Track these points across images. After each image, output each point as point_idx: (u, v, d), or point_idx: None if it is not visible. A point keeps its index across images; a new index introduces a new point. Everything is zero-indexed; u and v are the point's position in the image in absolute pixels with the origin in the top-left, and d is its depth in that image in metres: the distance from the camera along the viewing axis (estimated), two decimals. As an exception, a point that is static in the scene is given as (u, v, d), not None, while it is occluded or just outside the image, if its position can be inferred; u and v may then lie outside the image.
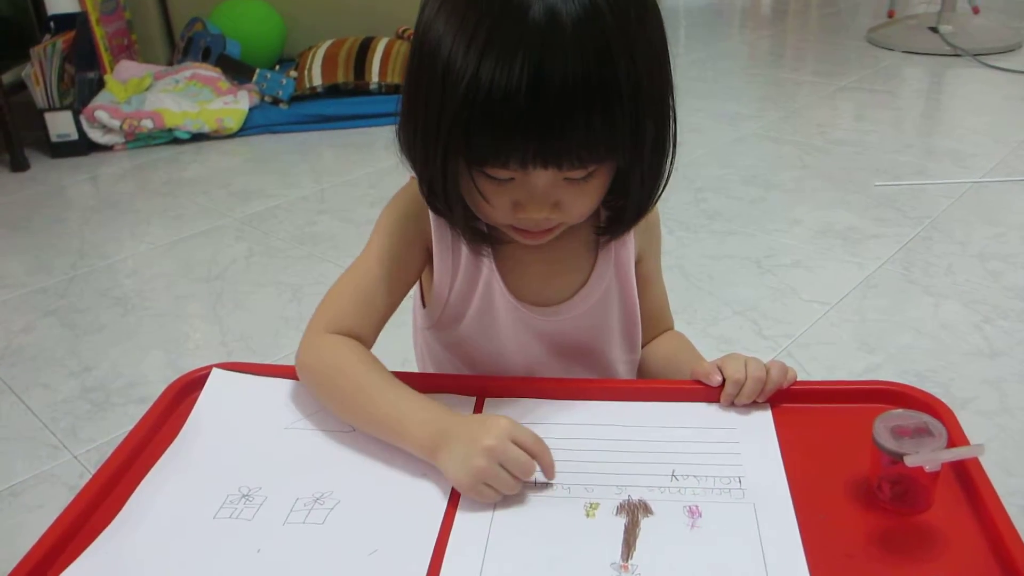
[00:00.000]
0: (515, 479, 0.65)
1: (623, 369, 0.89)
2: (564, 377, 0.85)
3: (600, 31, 0.62)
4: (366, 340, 0.79)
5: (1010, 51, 3.40)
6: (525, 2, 0.61)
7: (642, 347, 0.92)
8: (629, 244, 0.83)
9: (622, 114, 0.64)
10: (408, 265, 0.81)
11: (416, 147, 0.70)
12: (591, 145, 0.65)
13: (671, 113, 0.70)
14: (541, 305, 0.82)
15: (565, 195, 0.70)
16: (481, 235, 0.77)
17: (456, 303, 0.82)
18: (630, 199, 0.73)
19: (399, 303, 0.82)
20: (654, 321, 0.92)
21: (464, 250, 0.79)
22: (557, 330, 0.84)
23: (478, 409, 0.77)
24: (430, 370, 0.91)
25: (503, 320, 0.82)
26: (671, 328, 0.95)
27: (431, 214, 0.78)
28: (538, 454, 0.66)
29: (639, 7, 0.65)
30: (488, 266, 0.80)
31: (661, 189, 0.74)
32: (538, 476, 0.67)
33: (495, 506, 0.66)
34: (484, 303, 0.81)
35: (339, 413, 0.75)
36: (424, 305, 0.87)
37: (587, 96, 0.62)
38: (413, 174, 0.77)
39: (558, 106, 0.62)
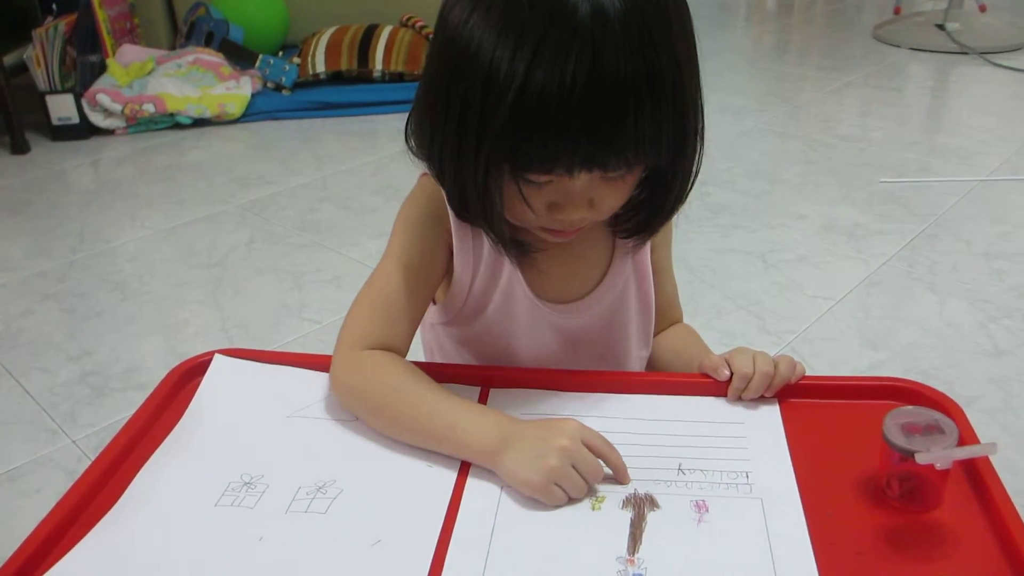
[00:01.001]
0: (585, 482, 0.65)
1: (636, 365, 0.89)
2: (570, 369, 0.84)
3: (644, 23, 0.61)
4: (399, 350, 0.77)
5: (1016, 50, 3.39)
6: (571, 4, 0.60)
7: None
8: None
9: (667, 110, 0.63)
10: (432, 268, 0.79)
11: (446, 156, 0.68)
12: (638, 145, 0.64)
13: (702, 107, 0.69)
14: (562, 302, 0.81)
15: (599, 192, 0.69)
16: (515, 243, 0.75)
17: (476, 300, 0.81)
18: (667, 196, 0.73)
19: (427, 307, 0.81)
20: (664, 313, 0.91)
21: (485, 249, 0.78)
22: (575, 327, 0.83)
23: (483, 398, 0.76)
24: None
25: (522, 317, 0.81)
26: (680, 320, 0.95)
27: (451, 215, 0.76)
28: (608, 456, 0.66)
29: (675, 4, 0.65)
30: (508, 265, 0.78)
31: (690, 187, 0.73)
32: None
33: (500, 497, 0.65)
34: (504, 300, 0.80)
35: (384, 429, 0.72)
36: (435, 301, 0.85)
37: (637, 92, 0.61)
38: (423, 171, 0.75)
39: (612, 104, 0.61)
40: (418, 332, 0.93)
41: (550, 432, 0.65)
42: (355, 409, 0.74)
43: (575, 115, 0.61)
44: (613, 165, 0.65)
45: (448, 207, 0.75)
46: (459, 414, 0.69)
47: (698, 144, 0.70)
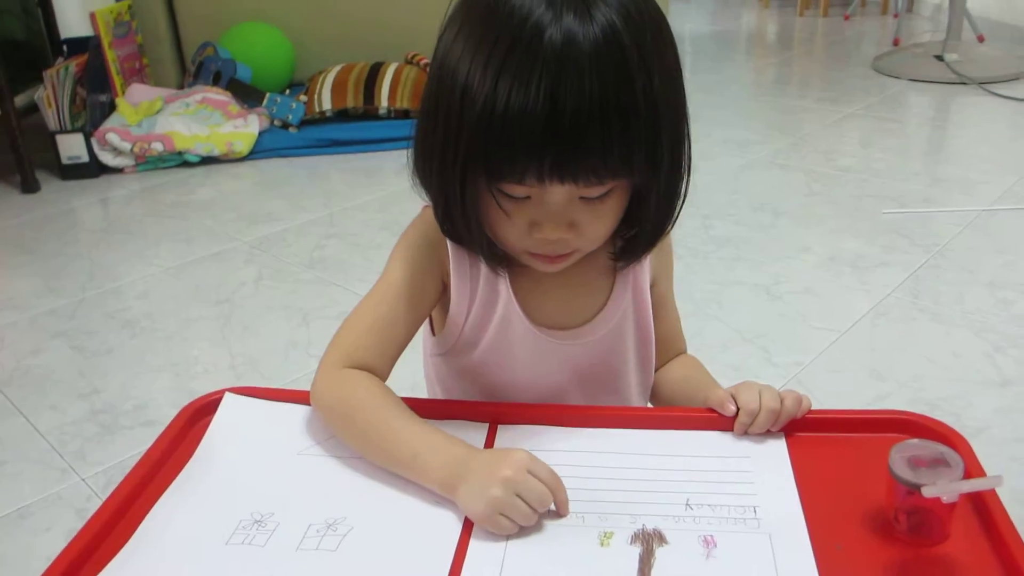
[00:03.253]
0: (532, 510, 0.65)
1: (637, 392, 0.89)
2: (577, 404, 0.85)
3: (619, 52, 0.63)
4: (381, 373, 0.79)
5: (1015, 79, 3.42)
6: (541, 24, 0.63)
7: (655, 370, 0.92)
8: (645, 267, 0.84)
9: (639, 132, 0.65)
10: (424, 295, 0.81)
11: (432, 169, 0.71)
12: (608, 161, 0.65)
13: (686, 135, 0.71)
14: (559, 330, 0.82)
15: (580, 215, 0.70)
16: (499, 256, 0.76)
17: (472, 330, 0.82)
18: (646, 221, 0.74)
19: (415, 333, 0.82)
20: (667, 344, 0.92)
21: (482, 277, 0.79)
22: (574, 355, 0.83)
23: (491, 434, 0.77)
24: (439, 396, 0.90)
25: (520, 346, 0.82)
26: (684, 351, 0.95)
27: (448, 243, 0.78)
28: (553, 489, 0.66)
29: (655, 29, 0.66)
30: (506, 292, 0.80)
31: (677, 212, 0.75)
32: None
33: (508, 535, 0.65)
34: (501, 329, 0.81)
35: (355, 447, 0.74)
36: (434, 332, 0.87)
37: (604, 115, 0.63)
38: (427, 203, 0.77)
39: (574, 124, 0.63)
40: (420, 364, 0.94)
41: (496, 464, 0.66)
42: (330, 424, 0.77)
43: (539, 129, 0.63)
44: (583, 178, 0.66)
45: (443, 232, 0.76)
46: (421, 444, 0.71)
47: (682, 171, 0.72)
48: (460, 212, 0.71)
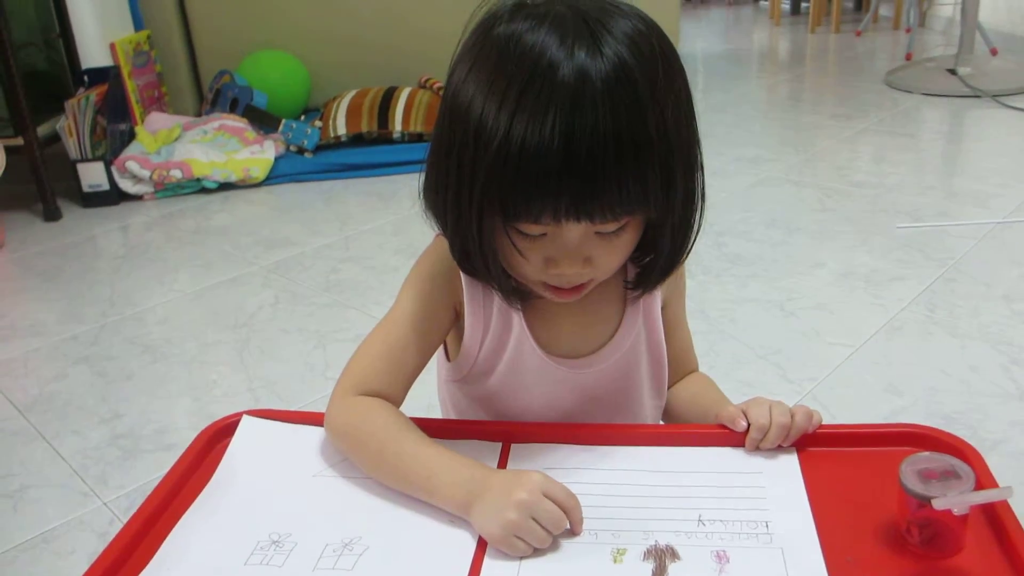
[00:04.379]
0: (547, 533, 0.66)
1: (650, 415, 0.90)
2: (590, 423, 0.85)
3: (630, 89, 0.63)
4: (395, 400, 0.79)
5: (1029, 92, 3.41)
6: (554, 63, 0.63)
7: (667, 390, 0.92)
8: (656, 291, 0.84)
9: (653, 167, 0.65)
10: (437, 325, 0.81)
11: (448, 207, 0.71)
12: (623, 198, 0.66)
13: (699, 166, 0.71)
14: (572, 358, 0.83)
15: (596, 250, 0.70)
16: (517, 291, 0.77)
17: (486, 359, 0.83)
18: (660, 252, 0.74)
19: (427, 362, 0.82)
20: (679, 364, 0.92)
21: (495, 307, 0.80)
22: (587, 382, 0.84)
23: (504, 454, 0.77)
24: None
25: (533, 375, 0.82)
26: (695, 370, 0.96)
27: (462, 274, 0.78)
28: (569, 509, 0.67)
29: (665, 63, 0.67)
30: (518, 323, 0.80)
31: (691, 242, 0.75)
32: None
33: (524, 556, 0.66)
34: (514, 358, 0.82)
35: (370, 472, 0.75)
36: (449, 359, 0.87)
37: (618, 152, 0.63)
38: (438, 231, 0.78)
39: (589, 163, 0.63)
40: (435, 389, 0.95)
41: (512, 486, 0.67)
42: (344, 450, 0.77)
43: (555, 169, 0.63)
44: (599, 216, 0.66)
45: (459, 267, 0.77)
46: (436, 465, 0.71)
47: (696, 202, 0.72)
48: (477, 249, 0.71)
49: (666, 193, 0.68)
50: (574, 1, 0.67)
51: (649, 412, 0.89)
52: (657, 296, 0.85)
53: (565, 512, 0.67)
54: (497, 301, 0.80)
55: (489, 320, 0.81)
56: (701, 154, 0.72)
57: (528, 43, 0.64)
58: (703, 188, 0.72)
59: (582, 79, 0.62)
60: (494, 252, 0.71)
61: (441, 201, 0.72)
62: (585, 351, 0.83)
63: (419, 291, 0.81)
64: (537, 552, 0.66)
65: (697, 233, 0.75)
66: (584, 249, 0.70)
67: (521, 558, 0.66)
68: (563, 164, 0.63)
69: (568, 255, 0.70)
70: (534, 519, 0.65)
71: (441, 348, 0.89)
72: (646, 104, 0.64)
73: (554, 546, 0.67)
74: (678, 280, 0.90)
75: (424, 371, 0.82)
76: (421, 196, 0.75)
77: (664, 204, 0.68)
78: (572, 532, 0.68)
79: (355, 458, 0.76)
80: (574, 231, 0.68)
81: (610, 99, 0.63)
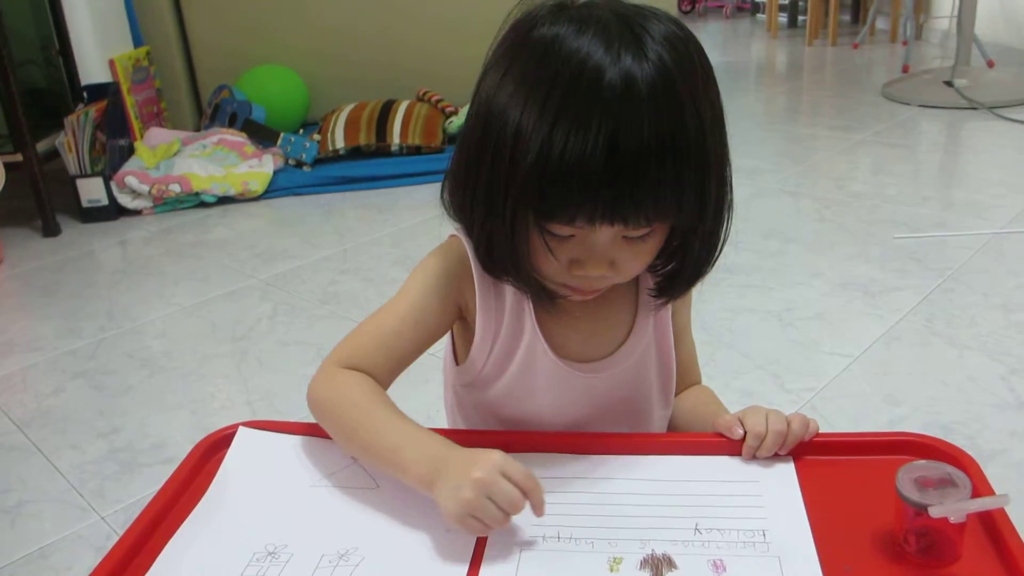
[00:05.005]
0: (503, 513, 0.65)
1: (657, 424, 0.90)
2: (587, 431, 0.85)
3: (673, 94, 0.64)
4: (380, 382, 0.79)
5: (1026, 103, 3.42)
6: (600, 68, 0.63)
7: None
8: None
9: (690, 173, 0.66)
10: (436, 320, 0.81)
11: (478, 205, 0.71)
12: (660, 204, 0.66)
13: (730, 176, 0.72)
14: (583, 362, 0.83)
15: (621, 254, 0.71)
16: (543, 290, 0.76)
17: (496, 362, 0.82)
18: (688, 261, 0.75)
19: (419, 355, 0.82)
20: (683, 375, 0.92)
21: (507, 310, 0.80)
22: (598, 387, 0.84)
23: (501, 464, 0.77)
24: (460, 425, 0.91)
25: (544, 379, 0.82)
26: (698, 382, 0.96)
27: (475, 275, 0.78)
28: (528, 490, 0.66)
29: (703, 71, 0.67)
30: (531, 326, 0.80)
31: (718, 252, 0.75)
32: (529, 514, 0.67)
33: (519, 561, 0.66)
34: (526, 361, 0.81)
35: (342, 444, 0.76)
36: (457, 363, 0.87)
37: (660, 157, 0.64)
38: (453, 232, 0.78)
39: (631, 169, 0.63)
40: (441, 394, 0.95)
41: (470, 464, 0.66)
42: (320, 421, 0.78)
43: (596, 174, 0.63)
44: (634, 220, 0.66)
45: (473, 267, 0.77)
46: (404, 439, 0.71)
47: (724, 212, 0.72)
48: (507, 250, 0.71)
49: (700, 200, 0.68)
50: (613, 4, 0.67)
51: (657, 422, 0.89)
52: (667, 304, 0.85)
53: (524, 493, 0.66)
54: (509, 304, 0.79)
55: (500, 323, 0.81)
56: (731, 167, 0.72)
57: (572, 47, 0.64)
58: (732, 201, 0.73)
59: (628, 84, 0.62)
60: (525, 250, 0.71)
61: (470, 199, 0.72)
62: (596, 356, 0.83)
63: (423, 284, 0.81)
64: (533, 559, 0.66)
65: (723, 245, 0.75)
66: (610, 252, 0.70)
67: (518, 564, 0.65)
68: (605, 168, 0.63)
69: (594, 257, 0.70)
70: (490, 499, 0.65)
71: (449, 353, 0.89)
72: (687, 109, 0.64)
73: (549, 554, 0.66)
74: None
75: (425, 383, 0.82)
76: (444, 194, 0.75)
77: (697, 211, 0.69)
78: (535, 514, 0.67)
79: (330, 429, 0.77)
80: (605, 234, 0.69)
81: (655, 104, 0.63)
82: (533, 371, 0.82)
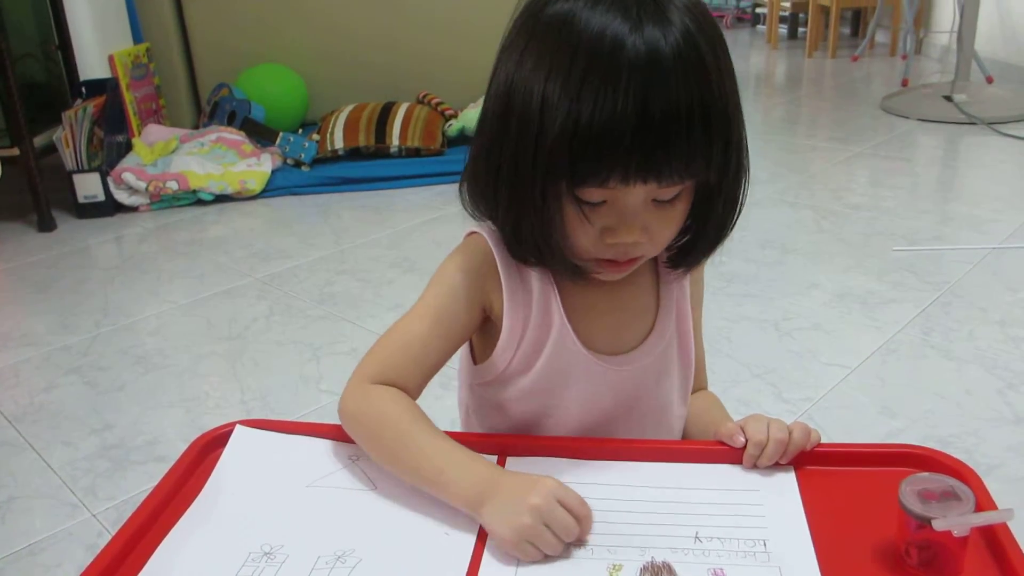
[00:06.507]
0: (558, 540, 0.65)
1: (677, 422, 0.89)
2: (597, 437, 0.84)
3: (697, 55, 0.65)
4: (412, 392, 0.79)
5: (1024, 119, 3.44)
6: (620, 36, 0.63)
7: None
8: (686, 293, 0.84)
9: (716, 131, 0.67)
10: (463, 322, 0.80)
11: (502, 186, 0.71)
12: (690, 159, 0.67)
13: (745, 140, 0.72)
14: (610, 355, 0.82)
15: (652, 218, 0.71)
16: (573, 269, 0.76)
17: (524, 356, 0.81)
18: (710, 224, 0.75)
19: (448, 359, 0.81)
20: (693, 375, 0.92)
21: (534, 303, 0.79)
22: (623, 382, 0.83)
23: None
24: (475, 428, 0.90)
25: (571, 371, 0.81)
26: (705, 387, 0.95)
27: (500, 269, 0.78)
28: (581, 518, 0.67)
29: (720, 38, 0.69)
30: (559, 317, 0.79)
31: (737, 214, 0.76)
32: None
33: (517, 566, 0.65)
34: (554, 354, 0.80)
35: (382, 463, 0.75)
36: (476, 362, 0.86)
37: (689, 115, 0.65)
38: (472, 230, 0.78)
39: (663, 127, 0.64)
40: (455, 396, 0.94)
41: (525, 490, 0.66)
42: (356, 439, 0.77)
43: (627, 134, 0.64)
44: (668, 177, 0.67)
45: (499, 260, 0.77)
46: (447, 460, 0.71)
47: (743, 175, 0.73)
48: (537, 226, 0.70)
49: (724, 159, 0.69)
50: None
51: (676, 421, 0.89)
52: (687, 298, 0.85)
53: (577, 520, 0.66)
54: (536, 296, 0.79)
55: (528, 316, 0.79)
56: (745, 129, 0.72)
57: (589, 18, 0.64)
58: (748, 164, 0.73)
59: (654, 49, 0.63)
60: (556, 223, 0.70)
61: (494, 181, 0.71)
62: (622, 349, 0.82)
63: (447, 286, 0.80)
64: (534, 565, 0.65)
65: (741, 208, 0.75)
66: (642, 217, 0.70)
67: (516, 570, 0.65)
68: (637, 128, 0.63)
69: (626, 222, 0.70)
70: (546, 525, 0.65)
71: (466, 353, 0.88)
72: (711, 71, 0.66)
73: (549, 561, 0.66)
74: (700, 289, 0.91)
75: (444, 388, 0.81)
76: (463, 190, 0.75)
77: (723, 168, 0.70)
78: (578, 540, 0.67)
79: (366, 447, 0.76)
80: (638, 195, 0.68)
81: (682, 66, 0.64)
82: (561, 363, 0.81)
